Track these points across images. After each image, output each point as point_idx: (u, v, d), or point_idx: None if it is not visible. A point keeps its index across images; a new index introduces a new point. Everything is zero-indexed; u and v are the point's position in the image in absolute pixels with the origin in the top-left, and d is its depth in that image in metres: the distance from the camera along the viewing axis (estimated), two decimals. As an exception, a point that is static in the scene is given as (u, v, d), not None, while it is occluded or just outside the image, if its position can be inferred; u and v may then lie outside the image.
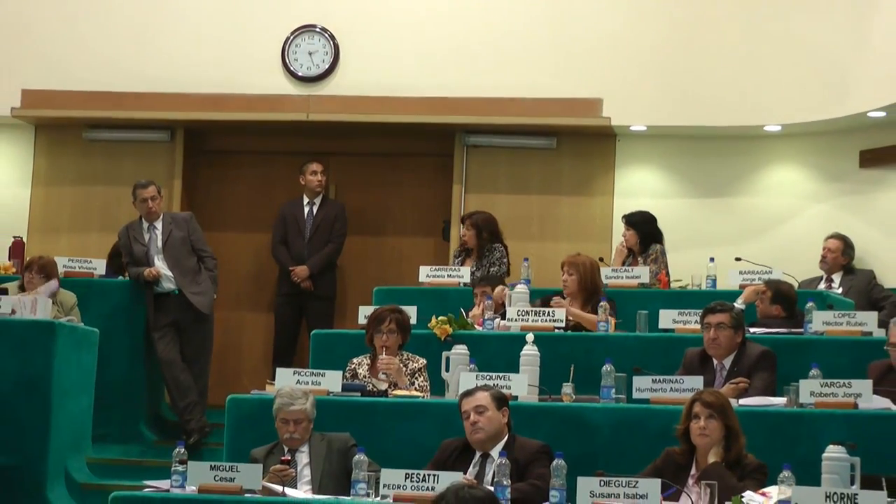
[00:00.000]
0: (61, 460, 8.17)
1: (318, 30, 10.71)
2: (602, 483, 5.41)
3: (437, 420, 6.67)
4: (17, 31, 10.85)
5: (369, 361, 7.44)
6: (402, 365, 7.34)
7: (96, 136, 11.01)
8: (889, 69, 9.57)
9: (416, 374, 7.35)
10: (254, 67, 10.68)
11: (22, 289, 8.92)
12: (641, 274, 8.83)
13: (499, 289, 8.45)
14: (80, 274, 9.53)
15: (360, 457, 5.82)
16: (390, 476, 5.68)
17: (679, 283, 9.27)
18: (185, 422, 9.18)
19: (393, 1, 10.72)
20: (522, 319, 7.80)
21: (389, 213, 11.01)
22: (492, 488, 5.50)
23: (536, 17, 10.55)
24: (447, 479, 5.44)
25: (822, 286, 9.58)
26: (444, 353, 7.28)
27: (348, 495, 5.82)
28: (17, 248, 10.25)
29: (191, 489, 5.84)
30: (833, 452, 5.51)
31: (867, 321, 7.51)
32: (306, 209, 10.36)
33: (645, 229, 9.58)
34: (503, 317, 8.00)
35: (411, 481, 5.63)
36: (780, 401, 6.55)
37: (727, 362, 7.03)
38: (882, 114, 9.78)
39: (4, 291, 8.56)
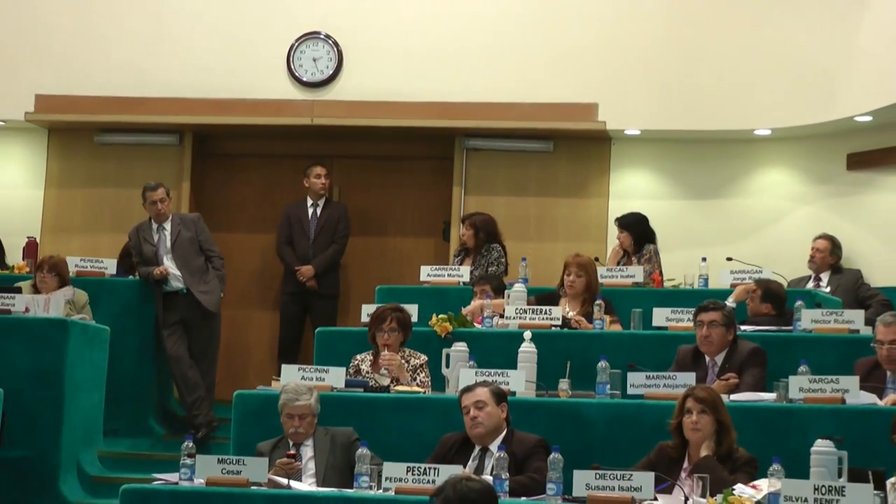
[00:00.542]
0: (73, 453, 8.18)
1: (322, 37, 10.71)
2: (597, 476, 5.41)
3: (438, 415, 6.67)
4: (31, 39, 10.85)
5: (372, 358, 7.44)
6: (403, 361, 7.33)
7: (107, 139, 11.01)
8: (875, 76, 9.58)
9: (418, 371, 7.35)
10: (260, 73, 10.68)
11: (35, 288, 8.92)
12: (636, 273, 8.82)
13: (498, 301, 8.36)
14: (92, 273, 9.53)
15: (362, 451, 5.82)
16: (392, 469, 5.67)
17: (672, 283, 9.26)
18: (193, 416, 9.18)
19: (395, 10, 10.72)
20: (520, 317, 7.78)
21: (391, 215, 11.00)
22: (490, 480, 5.50)
23: (534, 25, 10.56)
24: (447, 473, 5.43)
25: (810, 285, 9.58)
26: (445, 350, 7.29)
27: (351, 488, 5.82)
28: (30, 249, 10.25)
29: (199, 482, 5.84)
30: (821, 446, 5.52)
31: (854, 319, 7.50)
32: (310, 211, 10.35)
33: (638, 230, 9.59)
34: (501, 316, 7.99)
35: (412, 474, 5.63)
36: (769, 396, 6.56)
37: (719, 359, 7.02)
38: (868, 118, 9.78)
39: (18, 290, 8.56)
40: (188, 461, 5.86)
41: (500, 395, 6.26)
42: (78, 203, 11.03)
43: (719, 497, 5.19)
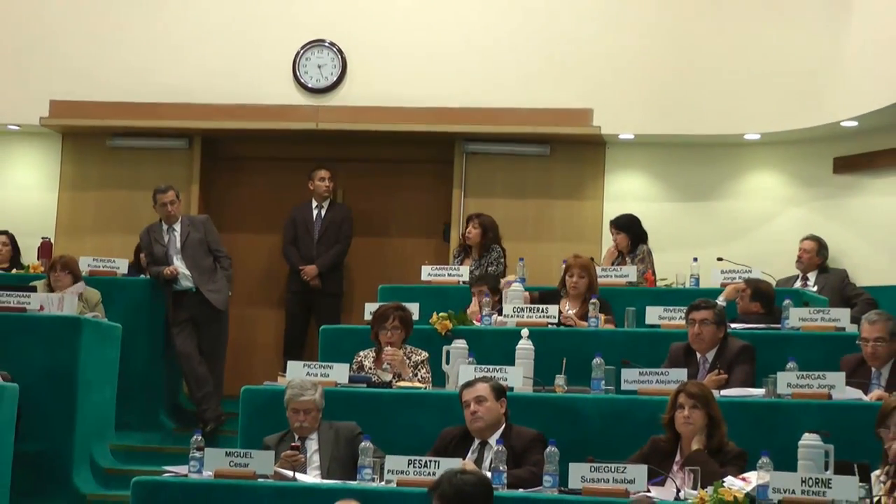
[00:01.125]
0: (86, 447, 8.18)
1: (326, 44, 10.71)
2: (592, 469, 5.42)
3: (438, 409, 6.67)
4: (46, 47, 10.86)
5: (375, 354, 7.44)
6: (405, 358, 7.34)
7: (119, 143, 11.01)
8: (860, 82, 9.59)
9: (419, 367, 7.35)
10: (266, 79, 10.68)
11: (49, 287, 8.93)
12: (629, 273, 8.83)
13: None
14: (104, 273, 9.54)
15: (365, 444, 5.83)
16: (394, 462, 5.69)
17: (664, 282, 9.26)
18: (202, 411, 9.19)
19: (397, 18, 10.73)
20: (518, 316, 7.79)
21: (393, 216, 11.01)
22: (488, 473, 5.51)
23: (531, 33, 10.56)
24: (447, 465, 5.44)
25: (798, 284, 9.58)
26: (445, 347, 7.29)
27: (355, 480, 5.83)
28: (45, 249, 10.26)
29: (207, 474, 5.85)
30: (808, 440, 5.53)
31: (840, 317, 7.50)
32: (315, 212, 10.36)
33: (635, 231, 9.62)
34: (500, 313, 7.99)
35: (414, 467, 5.64)
36: (759, 392, 6.56)
37: (710, 356, 7.03)
38: (854, 123, 9.78)
39: (33, 289, 8.57)
40: (197, 454, 5.87)
41: (500, 391, 6.26)
42: (91, 205, 11.04)
43: (710, 489, 5.19)
